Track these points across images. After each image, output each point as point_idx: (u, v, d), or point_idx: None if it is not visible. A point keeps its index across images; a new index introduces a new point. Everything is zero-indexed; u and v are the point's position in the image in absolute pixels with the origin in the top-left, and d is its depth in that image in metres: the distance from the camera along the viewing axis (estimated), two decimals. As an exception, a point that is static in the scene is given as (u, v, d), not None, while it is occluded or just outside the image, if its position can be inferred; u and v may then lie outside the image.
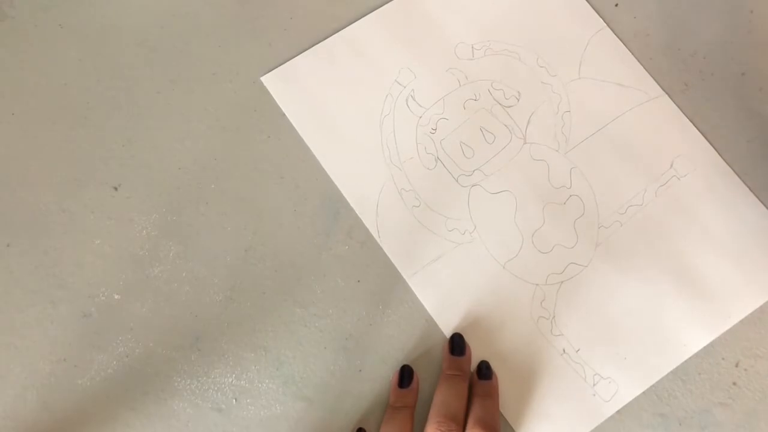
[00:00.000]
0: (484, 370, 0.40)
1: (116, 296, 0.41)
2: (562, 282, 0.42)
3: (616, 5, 0.47)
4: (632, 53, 0.46)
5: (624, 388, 0.40)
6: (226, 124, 0.44)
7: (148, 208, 0.43)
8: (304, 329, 0.41)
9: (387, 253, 0.42)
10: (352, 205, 0.43)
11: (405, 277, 0.42)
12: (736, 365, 0.41)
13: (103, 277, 0.41)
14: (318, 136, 0.44)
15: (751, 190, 0.43)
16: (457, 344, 0.41)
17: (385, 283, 0.42)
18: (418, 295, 0.42)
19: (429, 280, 0.42)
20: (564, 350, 0.41)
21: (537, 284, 0.42)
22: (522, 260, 0.42)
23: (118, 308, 0.41)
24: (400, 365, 0.41)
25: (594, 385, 0.40)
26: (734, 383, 0.40)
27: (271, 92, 0.45)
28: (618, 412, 0.40)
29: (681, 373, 0.41)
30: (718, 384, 0.41)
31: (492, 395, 0.39)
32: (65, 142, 0.44)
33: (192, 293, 0.41)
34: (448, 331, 0.41)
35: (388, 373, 0.40)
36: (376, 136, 0.44)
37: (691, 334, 0.41)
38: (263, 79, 0.45)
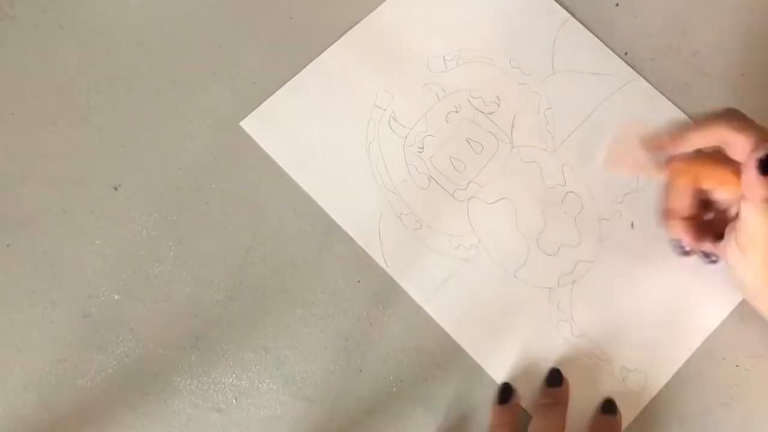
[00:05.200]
0: (608, 407, 0.39)
1: (116, 296, 0.41)
2: (574, 282, 0.42)
3: (617, 5, 0.47)
4: (603, 42, 0.46)
5: (651, 376, 0.40)
6: (226, 124, 0.44)
7: (148, 208, 0.43)
8: (305, 329, 0.41)
9: (398, 282, 0.41)
10: (354, 238, 0.42)
11: (420, 303, 0.41)
12: (737, 365, 0.41)
13: (103, 277, 0.41)
14: (308, 174, 0.43)
15: None
16: (553, 377, 0.40)
17: (386, 283, 0.42)
18: (437, 321, 0.41)
19: (444, 304, 0.41)
20: (590, 351, 0.41)
21: (550, 288, 0.41)
22: (531, 266, 0.42)
23: (118, 308, 0.41)
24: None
25: (623, 379, 0.40)
26: (734, 383, 0.40)
27: (253, 136, 0.44)
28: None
29: (681, 373, 0.41)
30: (718, 384, 0.40)
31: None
32: (65, 142, 0.44)
33: (192, 293, 0.41)
34: (473, 353, 0.40)
35: (388, 373, 0.40)
36: (365, 163, 0.44)
37: (710, 310, 0.41)
38: (242, 123, 0.44)
